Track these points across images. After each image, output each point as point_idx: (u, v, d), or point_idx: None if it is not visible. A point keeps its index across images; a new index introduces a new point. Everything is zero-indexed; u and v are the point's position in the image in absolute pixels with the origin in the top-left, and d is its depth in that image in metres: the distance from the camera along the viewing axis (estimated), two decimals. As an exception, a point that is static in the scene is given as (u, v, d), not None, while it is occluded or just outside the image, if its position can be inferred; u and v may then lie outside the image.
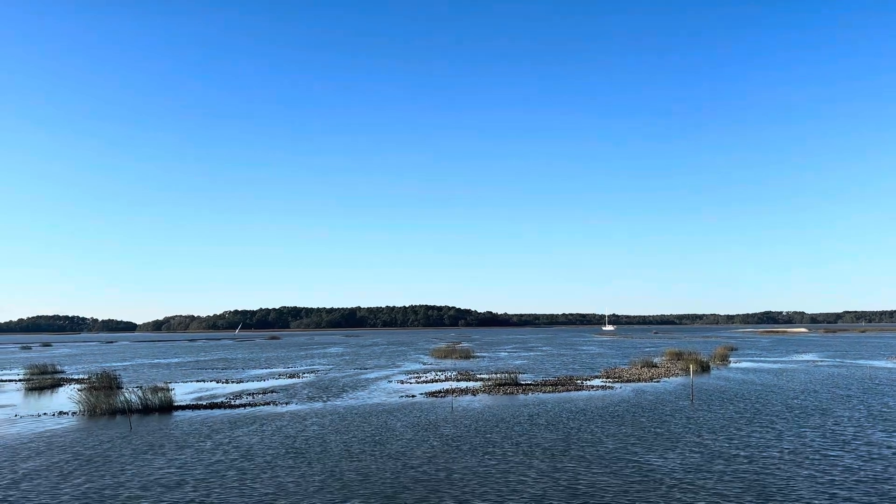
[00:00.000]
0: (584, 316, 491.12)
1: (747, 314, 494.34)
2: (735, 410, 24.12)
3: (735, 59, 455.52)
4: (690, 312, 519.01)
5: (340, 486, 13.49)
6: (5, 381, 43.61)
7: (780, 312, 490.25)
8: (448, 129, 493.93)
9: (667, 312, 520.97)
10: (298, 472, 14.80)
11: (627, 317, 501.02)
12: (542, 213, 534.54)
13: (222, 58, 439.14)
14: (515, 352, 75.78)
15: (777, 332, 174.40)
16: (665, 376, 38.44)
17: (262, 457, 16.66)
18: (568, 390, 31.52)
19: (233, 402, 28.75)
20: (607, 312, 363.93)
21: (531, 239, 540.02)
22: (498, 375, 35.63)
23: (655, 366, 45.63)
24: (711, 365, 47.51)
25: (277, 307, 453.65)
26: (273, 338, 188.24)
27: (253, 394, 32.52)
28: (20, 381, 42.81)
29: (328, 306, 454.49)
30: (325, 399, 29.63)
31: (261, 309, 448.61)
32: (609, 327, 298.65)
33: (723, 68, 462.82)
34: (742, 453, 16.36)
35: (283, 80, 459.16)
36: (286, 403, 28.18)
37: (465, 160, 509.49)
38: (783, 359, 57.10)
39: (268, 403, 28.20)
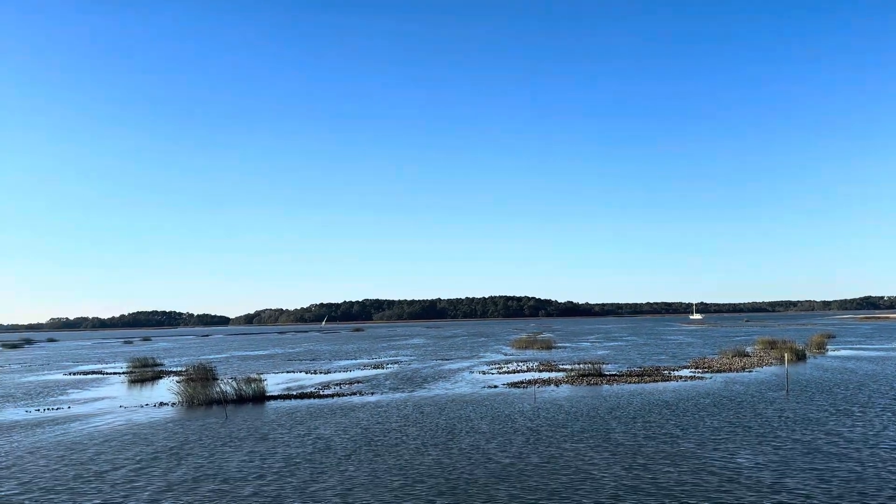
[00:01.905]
0: (669, 304, 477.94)
1: (845, 300, 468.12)
2: (834, 402, 22.93)
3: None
4: (784, 299, 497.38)
5: (411, 480, 13.50)
6: (110, 373, 46.48)
7: (882, 297, 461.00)
8: (527, 119, 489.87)
9: (758, 299, 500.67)
10: (372, 466, 14.93)
11: (716, 305, 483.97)
12: (623, 199, 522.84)
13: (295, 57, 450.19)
14: (598, 342, 74.61)
15: (878, 317, 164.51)
16: (758, 366, 36.98)
17: (340, 449, 16.97)
18: (654, 381, 30.79)
19: (321, 393, 29.63)
20: (695, 300, 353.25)
21: (612, 226, 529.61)
22: (581, 366, 35.22)
23: (747, 355, 43.95)
24: (808, 353, 45.33)
25: (361, 300, 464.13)
26: (357, 329, 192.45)
27: (340, 384, 33.44)
28: (124, 373, 45.51)
29: (409, 298, 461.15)
30: (407, 390, 30.10)
31: (345, 301, 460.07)
32: (697, 316, 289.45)
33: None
34: (843, 450, 15.40)
35: (360, 78, 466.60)
36: (371, 394, 28.81)
37: (542, 149, 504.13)
38: (886, 346, 53.78)
39: (353, 394, 28.91)
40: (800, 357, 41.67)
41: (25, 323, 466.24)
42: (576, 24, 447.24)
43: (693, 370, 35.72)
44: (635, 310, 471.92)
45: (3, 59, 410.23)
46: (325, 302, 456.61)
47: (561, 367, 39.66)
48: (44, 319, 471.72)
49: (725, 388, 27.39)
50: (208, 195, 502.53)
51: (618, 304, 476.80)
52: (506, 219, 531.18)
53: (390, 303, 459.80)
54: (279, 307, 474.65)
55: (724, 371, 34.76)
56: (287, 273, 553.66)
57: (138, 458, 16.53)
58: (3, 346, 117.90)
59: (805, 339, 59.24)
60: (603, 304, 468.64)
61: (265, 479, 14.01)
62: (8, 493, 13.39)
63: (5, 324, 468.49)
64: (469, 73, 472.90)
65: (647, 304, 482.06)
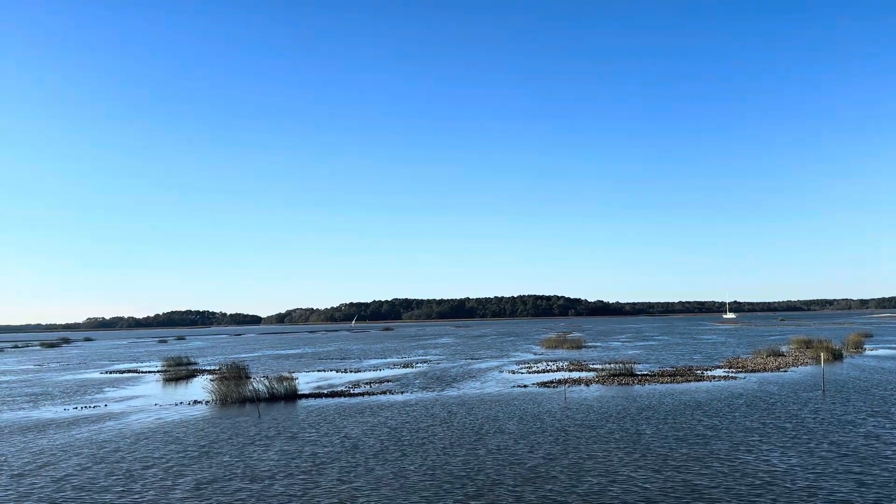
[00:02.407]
0: (702, 304, 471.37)
1: (883, 298, 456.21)
2: (872, 403, 22.39)
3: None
4: (819, 297, 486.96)
5: (438, 481, 13.45)
6: (146, 372, 47.35)
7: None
8: (554, 117, 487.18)
9: (793, 298, 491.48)
10: (399, 466, 14.93)
11: (750, 304, 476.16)
12: (655, 198, 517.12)
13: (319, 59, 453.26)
14: (629, 341, 73.90)
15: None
16: (793, 366, 36.31)
17: (368, 448, 17.03)
18: (687, 381, 30.42)
19: (351, 391, 29.85)
20: (728, 299, 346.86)
21: (643, 225, 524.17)
22: (612, 365, 34.92)
23: (782, 355, 43.18)
24: (844, 353, 44.37)
25: (390, 299, 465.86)
26: (387, 329, 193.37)
27: (369, 383, 33.64)
28: (159, 372, 46.35)
29: (438, 297, 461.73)
30: (436, 389, 30.16)
31: (374, 301, 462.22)
32: (730, 315, 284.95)
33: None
34: (881, 453, 15.02)
35: (394, 79, 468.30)
36: (400, 393, 28.93)
37: (571, 146, 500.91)
38: (928, 347, 52.38)
39: (383, 393, 29.06)
40: (836, 357, 40.82)
41: (63, 322, 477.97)
42: (584, 21, 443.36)
43: (726, 370, 35.20)
44: (667, 309, 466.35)
45: (40, 58, 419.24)
46: (354, 301, 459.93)
47: (591, 366, 39.39)
48: (80, 319, 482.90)
49: (759, 389, 26.95)
50: (240, 197, 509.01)
51: (649, 303, 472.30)
52: (535, 218, 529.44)
53: (419, 302, 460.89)
54: (310, 307, 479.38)
55: (759, 371, 34.20)
56: (317, 273, 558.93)
57: (170, 456, 16.82)
58: (42, 345, 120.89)
59: (842, 339, 57.98)
60: (634, 304, 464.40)
61: (294, 477, 14.16)
62: (41, 490, 13.68)
63: (44, 323, 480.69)
64: (486, 71, 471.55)
65: (679, 303, 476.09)
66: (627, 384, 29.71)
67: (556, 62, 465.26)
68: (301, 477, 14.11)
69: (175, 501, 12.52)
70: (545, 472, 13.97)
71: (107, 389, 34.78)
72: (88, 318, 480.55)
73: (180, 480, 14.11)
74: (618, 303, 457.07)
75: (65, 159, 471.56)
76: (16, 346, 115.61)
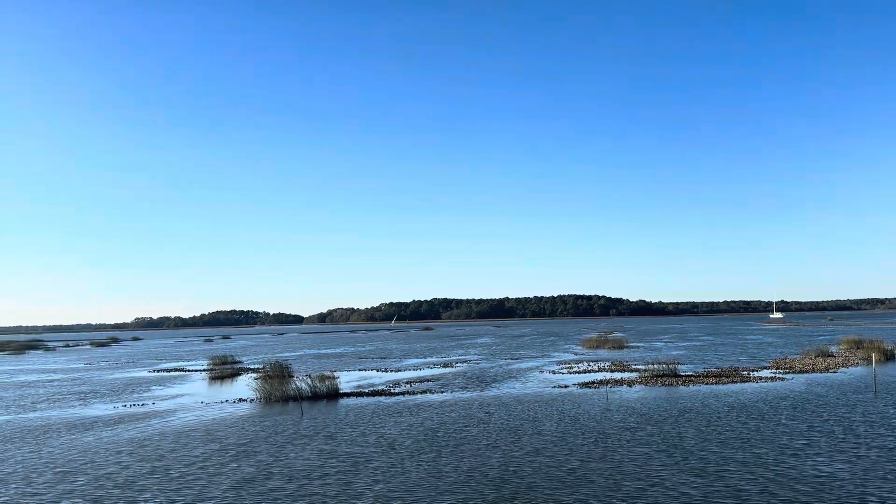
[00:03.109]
0: (748, 303, 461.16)
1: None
2: (928, 406, 21.62)
3: None
4: (870, 297, 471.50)
5: (472, 483, 13.36)
6: (192, 370, 48.41)
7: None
8: (591, 114, 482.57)
9: (842, 297, 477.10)
10: (434, 467, 14.88)
11: (797, 303, 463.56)
12: (699, 195, 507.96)
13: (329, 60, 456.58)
14: (672, 342, 72.76)
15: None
16: (843, 366, 35.30)
17: (405, 448, 17.09)
18: (732, 382, 29.83)
19: (391, 391, 30.06)
20: (774, 299, 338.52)
21: (686, 222, 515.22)
22: (655, 366, 34.43)
23: (831, 355, 41.99)
24: (898, 355, 42.94)
25: (429, 299, 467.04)
26: (426, 328, 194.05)
27: (409, 382, 33.84)
28: (205, 370, 47.36)
29: (477, 297, 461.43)
30: (475, 389, 30.16)
31: (414, 301, 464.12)
32: (777, 314, 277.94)
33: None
34: (938, 454, 14.52)
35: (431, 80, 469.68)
36: (440, 392, 29.02)
37: (611, 146, 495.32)
38: None
39: (424, 392, 29.19)
40: (888, 357, 39.53)
41: (112, 322, 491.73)
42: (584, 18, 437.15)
43: (773, 371, 34.41)
44: (712, 308, 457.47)
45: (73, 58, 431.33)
46: (394, 301, 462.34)
47: (634, 367, 38.93)
48: (129, 319, 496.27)
49: (807, 390, 26.28)
50: (283, 199, 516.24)
51: (693, 302, 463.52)
52: (576, 217, 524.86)
53: (458, 302, 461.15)
54: (350, 306, 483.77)
55: (807, 372, 33.34)
56: (358, 273, 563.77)
57: (210, 454, 17.14)
58: (92, 344, 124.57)
59: (894, 339, 56.08)
60: (677, 303, 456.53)
61: (330, 477, 14.31)
62: (83, 487, 13.95)
63: (94, 323, 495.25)
64: (504, 72, 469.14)
65: (725, 302, 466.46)
66: (671, 385, 29.28)
67: (577, 60, 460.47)
68: (337, 476, 14.23)
69: (211, 500, 12.71)
70: (583, 475, 13.80)
71: (154, 388, 35.67)
72: (136, 318, 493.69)
73: (218, 479, 14.31)
74: (661, 302, 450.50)
75: (112, 165, 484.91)
76: (67, 346, 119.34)
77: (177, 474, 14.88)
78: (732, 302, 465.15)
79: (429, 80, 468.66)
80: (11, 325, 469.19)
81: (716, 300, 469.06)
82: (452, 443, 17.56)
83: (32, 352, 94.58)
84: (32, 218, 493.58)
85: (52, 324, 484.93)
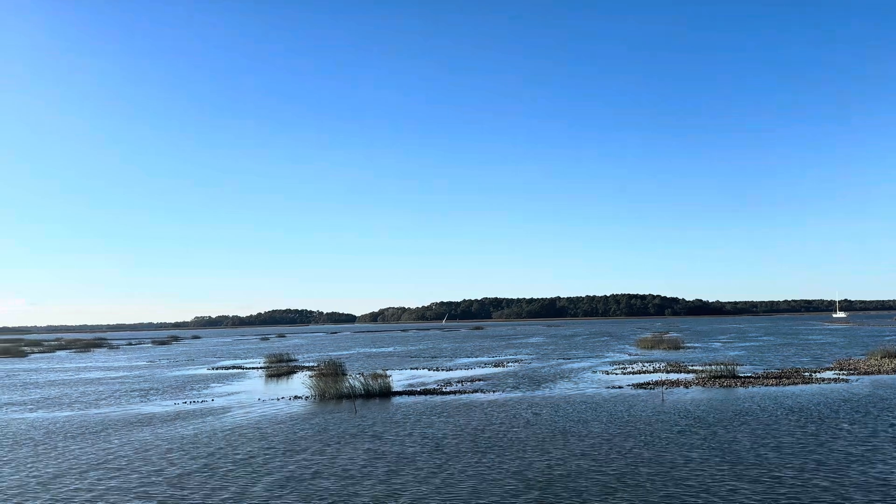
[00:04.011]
0: (809, 302, 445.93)
1: None
2: None
3: None
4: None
5: (515, 486, 13.13)
6: (250, 368, 49.51)
7: None
8: (642, 111, 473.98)
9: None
10: (477, 469, 14.66)
11: (862, 301, 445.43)
12: (757, 192, 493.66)
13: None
14: (730, 342, 70.91)
15: None
16: (913, 369, 33.76)
17: (451, 448, 17.00)
18: (793, 383, 28.87)
19: (442, 390, 30.13)
20: (837, 298, 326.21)
21: (744, 220, 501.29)
22: (712, 367, 33.59)
23: (900, 357, 40.19)
24: (974, 357, 40.80)
25: (480, 298, 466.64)
26: (477, 328, 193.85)
27: (462, 381, 33.85)
28: (261, 368, 48.38)
29: (528, 296, 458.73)
30: (526, 389, 29.96)
31: (464, 300, 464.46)
32: (840, 314, 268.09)
33: None
34: None
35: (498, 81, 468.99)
36: (492, 392, 28.95)
37: (666, 143, 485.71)
38: None
39: (474, 391, 29.16)
40: (964, 360, 37.60)
41: (172, 321, 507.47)
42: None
43: (836, 372, 33.18)
44: (771, 308, 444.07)
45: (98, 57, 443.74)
46: (445, 300, 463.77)
47: (690, 368, 38.09)
48: (189, 318, 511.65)
49: (872, 393, 25.23)
50: (335, 199, 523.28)
51: (751, 301, 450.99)
52: (628, 215, 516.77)
53: (509, 301, 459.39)
54: (401, 305, 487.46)
55: (872, 373, 32.04)
56: (409, 272, 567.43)
57: (261, 451, 17.42)
58: (153, 342, 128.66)
59: (971, 341, 53.36)
60: (735, 303, 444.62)
61: (373, 477, 14.37)
62: (135, 483, 14.25)
63: (155, 322, 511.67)
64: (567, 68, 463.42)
65: (785, 301, 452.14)
66: (729, 386, 28.52)
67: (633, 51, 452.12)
68: (380, 476, 14.23)
69: (254, 498, 12.80)
70: (631, 480, 13.36)
71: (212, 385, 36.58)
72: (196, 317, 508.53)
73: (264, 477, 14.40)
74: (718, 302, 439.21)
75: (175, 172, 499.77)
76: (129, 344, 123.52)
77: (224, 470, 15.14)
78: (793, 301, 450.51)
79: (470, 78, 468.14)
80: (78, 324, 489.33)
81: (775, 299, 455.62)
82: (499, 443, 17.43)
83: (97, 350, 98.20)
84: (99, 222, 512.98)
85: (115, 323, 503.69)
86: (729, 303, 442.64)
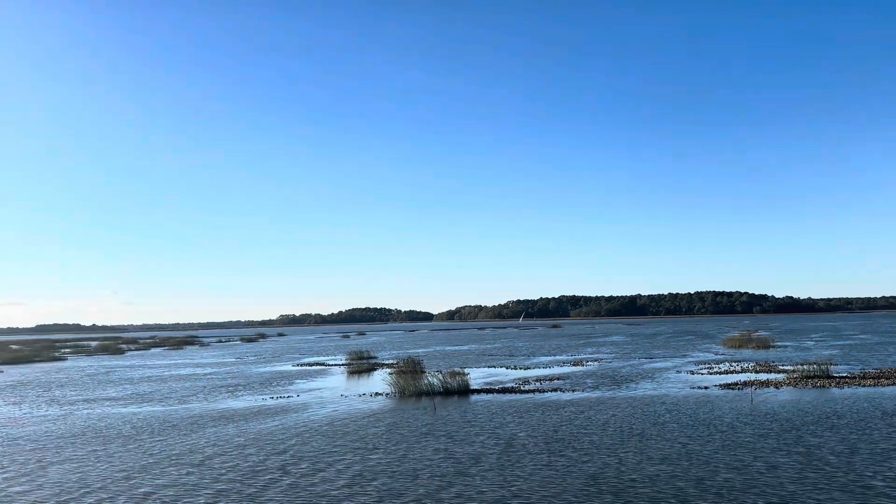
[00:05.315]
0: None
1: None
2: None
3: None
4: None
5: (585, 489, 12.86)
6: (332, 365, 50.77)
7: None
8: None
9: None
10: (547, 470, 14.49)
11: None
12: (847, 179, 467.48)
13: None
14: (823, 340, 67.50)
15: None
16: None
17: (522, 448, 16.83)
18: (893, 384, 27.24)
19: (521, 388, 30.02)
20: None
21: (838, 212, 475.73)
22: (805, 366, 32.09)
23: None
24: None
25: (557, 296, 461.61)
26: (555, 326, 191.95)
27: (540, 380, 33.62)
28: (343, 365, 49.55)
29: (607, 294, 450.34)
30: (606, 388, 29.46)
31: (541, 298, 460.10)
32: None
33: None
34: None
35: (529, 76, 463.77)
36: (571, 391, 28.62)
37: (749, 136, 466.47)
38: None
39: (553, 390, 28.91)
40: None
41: (259, 319, 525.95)
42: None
43: (944, 374, 31.04)
44: (868, 304, 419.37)
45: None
46: (521, 298, 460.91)
47: (781, 367, 36.52)
48: (274, 316, 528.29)
49: None
50: (417, 200, 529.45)
51: (846, 298, 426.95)
52: (713, 209, 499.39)
53: (587, 299, 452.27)
54: (478, 304, 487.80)
55: None
56: (486, 270, 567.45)
57: (328, 449, 17.78)
58: (242, 339, 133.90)
59: None
60: (828, 299, 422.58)
61: (442, 478, 14.41)
62: (210, 479, 14.64)
63: (243, 320, 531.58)
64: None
65: (883, 298, 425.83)
66: (823, 386, 27.19)
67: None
68: (451, 477, 14.21)
69: (315, 497, 12.94)
70: (709, 486, 12.83)
71: (297, 381, 37.70)
72: (281, 315, 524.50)
73: (333, 475, 14.52)
74: (810, 298, 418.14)
75: (269, 178, 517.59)
76: (219, 341, 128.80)
77: (293, 468, 15.38)
78: (892, 297, 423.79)
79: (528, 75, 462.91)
80: (170, 322, 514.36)
81: (873, 295, 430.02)
82: (573, 445, 17.15)
83: (189, 347, 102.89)
84: (192, 226, 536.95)
85: (206, 321, 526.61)
86: (821, 299, 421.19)
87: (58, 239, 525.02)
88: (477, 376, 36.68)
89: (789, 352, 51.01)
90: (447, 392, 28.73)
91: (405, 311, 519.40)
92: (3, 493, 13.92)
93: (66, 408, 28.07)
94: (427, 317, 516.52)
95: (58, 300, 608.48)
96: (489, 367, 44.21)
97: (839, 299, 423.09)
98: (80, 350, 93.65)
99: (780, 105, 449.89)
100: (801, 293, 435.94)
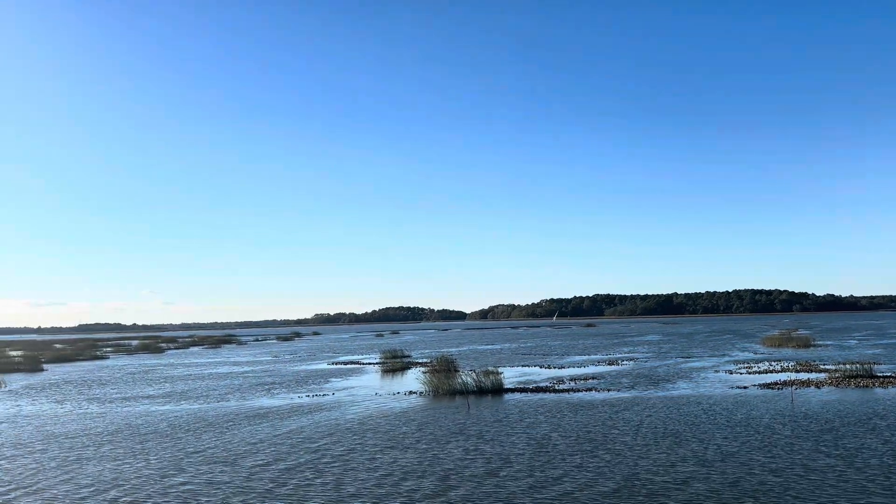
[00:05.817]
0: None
1: None
2: None
3: None
4: None
5: (608, 491, 12.65)
6: (367, 363, 51.10)
7: None
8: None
9: None
10: (579, 470, 14.34)
11: None
12: (893, 175, 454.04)
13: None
14: (866, 339, 65.75)
15: None
16: None
17: (555, 448, 16.68)
18: (941, 386, 26.45)
19: (555, 387, 29.82)
20: None
21: (881, 206, 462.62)
22: (847, 366, 31.29)
23: None
24: None
25: (591, 295, 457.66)
26: (589, 325, 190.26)
27: (574, 379, 33.36)
28: (377, 363, 49.82)
29: (643, 293, 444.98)
30: (642, 388, 29.09)
31: (575, 297, 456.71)
32: None
33: None
34: None
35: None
36: (606, 390, 28.34)
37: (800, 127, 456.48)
38: None
39: (588, 390, 28.66)
40: None
41: (294, 318, 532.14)
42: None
43: None
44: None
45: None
46: (555, 297, 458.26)
47: (822, 367, 35.67)
48: (309, 315, 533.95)
49: None
50: (453, 201, 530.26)
51: (891, 296, 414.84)
52: (750, 205, 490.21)
53: (622, 298, 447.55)
54: (511, 303, 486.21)
55: None
56: (520, 269, 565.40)
57: (372, 447, 17.85)
58: (278, 338, 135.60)
59: None
60: (871, 297, 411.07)
61: (470, 480, 14.33)
62: (238, 477, 14.81)
63: (279, 319, 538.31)
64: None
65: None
66: (867, 387, 26.49)
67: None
68: (481, 477, 14.13)
69: (347, 496, 13.04)
70: (744, 488, 12.54)
71: (332, 380, 38.01)
72: (316, 314, 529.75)
73: (361, 474, 14.58)
74: (851, 296, 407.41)
75: (296, 178, 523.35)
76: (256, 340, 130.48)
77: (324, 466, 15.48)
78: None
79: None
80: (208, 321, 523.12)
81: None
82: (605, 445, 16.94)
83: (226, 346, 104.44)
84: (230, 228, 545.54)
85: (243, 320, 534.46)
86: (864, 297, 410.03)
87: (99, 241, 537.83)
88: (510, 375, 36.54)
89: (831, 351, 49.81)
90: (481, 391, 28.68)
91: (438, 311, 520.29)
92: (42, 486, 14.32)
93: (106, 405, 28.74)
94: (460, 316, 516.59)
95: (99, 301, 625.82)
96: (523, 366, 44.02)
97: (883, 297, 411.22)
98: (121, 349, 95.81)
99: (825, 101, 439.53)
100: (843, 291, 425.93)
